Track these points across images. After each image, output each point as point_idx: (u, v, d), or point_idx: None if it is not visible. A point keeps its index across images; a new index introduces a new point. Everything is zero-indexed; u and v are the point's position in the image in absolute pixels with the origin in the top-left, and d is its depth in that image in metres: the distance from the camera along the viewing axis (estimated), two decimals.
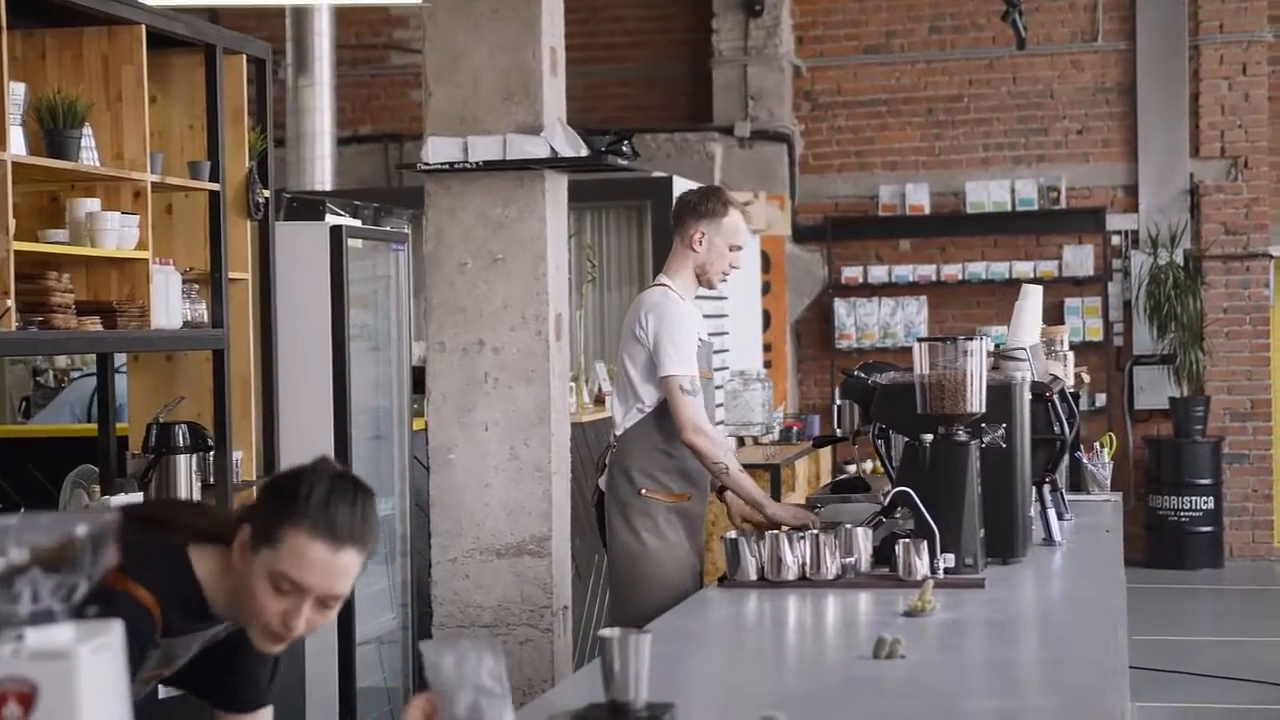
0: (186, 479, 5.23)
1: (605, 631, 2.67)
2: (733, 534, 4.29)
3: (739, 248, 5.20)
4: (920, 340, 4.36)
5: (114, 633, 1.73)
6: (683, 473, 5.11)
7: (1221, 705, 8.02)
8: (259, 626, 2.57)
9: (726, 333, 10.32)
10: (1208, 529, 12.02)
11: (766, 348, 12.11)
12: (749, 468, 8.84)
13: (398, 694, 6.64)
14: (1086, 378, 9.10)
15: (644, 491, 5.07)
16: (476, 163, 5.59)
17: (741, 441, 10.04)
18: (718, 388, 9.57)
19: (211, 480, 5.41)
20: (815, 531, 4.22)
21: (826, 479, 10.32)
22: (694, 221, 5.15)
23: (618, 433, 5.17)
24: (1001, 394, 4.45)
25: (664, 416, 5.06)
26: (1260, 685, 8.29)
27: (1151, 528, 12.13)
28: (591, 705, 2.71)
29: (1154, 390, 12.33)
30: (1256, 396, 12.35)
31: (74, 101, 4.66)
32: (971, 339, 4.33)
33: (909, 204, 12.63)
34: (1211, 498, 12.00)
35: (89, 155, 4.76)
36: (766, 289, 12.16)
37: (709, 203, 5.18)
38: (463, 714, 2.45)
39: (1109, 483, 6.32)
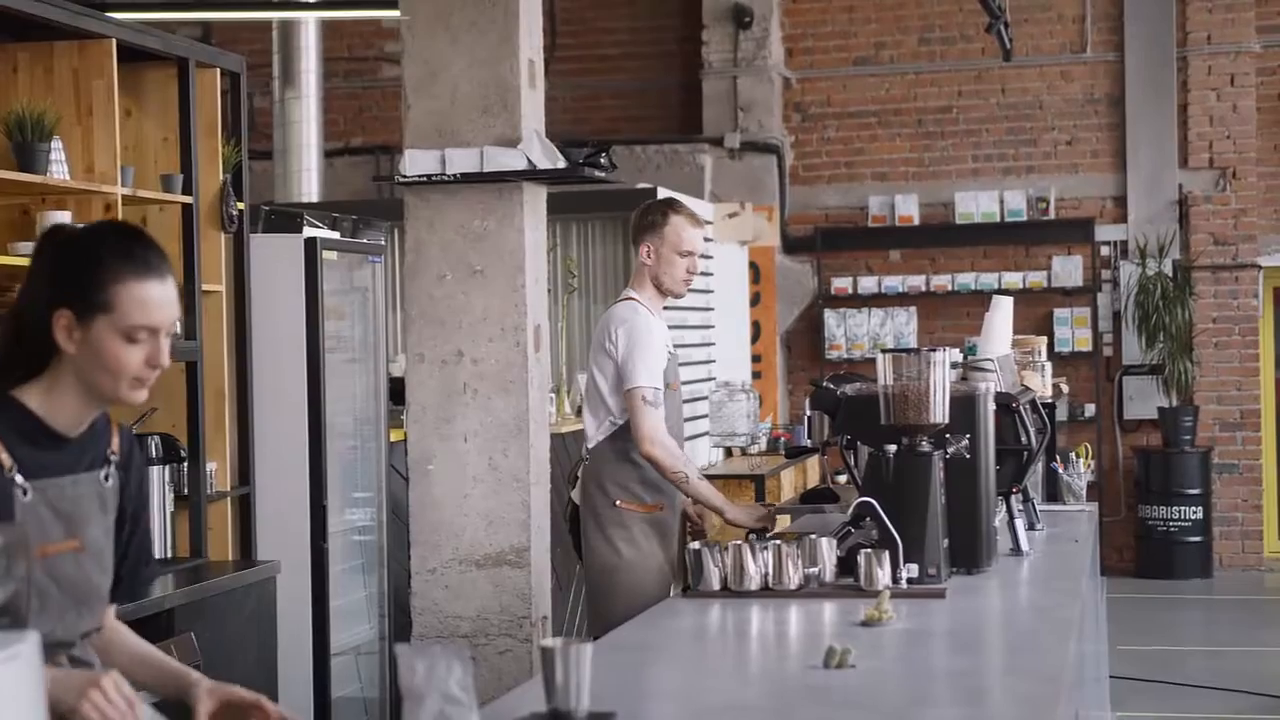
0: (159, 491, 5.24)
1: (546, 641, 2.70)
2: (696, 544, 4.30)
3: (689, 253, 5.27)
4: (884, 351, 4.37)
5: (27, 643, 1.75)
6: (654, 483, 5.17)
7: (1206, 715, 8.02)
8: (125, 384, 2.65)
9: (714, 343, 10.34)
10: (1197, 539, 12.02)
11: (756, 358, 12.14)
12: (734, 478, 8.92)
13: (374, 705, 6.65)
14: (1065, 388, 9.10)
15: (618, 503, 5.15)
16: (454, 175, 5.61)
17: (729, 452, 10.06)
18: (701, 399, 9.61)
19: (185, 492, 5.42)
20: (778, 542, 4.23)
21: None
22: (639, 236, 5.29)
23: (590, 445, 5.25)
24: (965, 405, 4.46)
25: None
26: (1246, 695, 8.29)
27: (1141, 538, 12.13)
28: (533, 714, 2.73)
29: (1143, 400, 12.33)
30: (1245, 406, 12.36)
31: (42, 115, 4.69)
32: (935, 350, 4.34)
33: (898, 215, 12.66)
34: (1201, 508, 12.01)
35: (59, 168, 4.78)
36: (756, 300, 12.19)
37: (649, 215, 5.30)
38: None
39: (1084, 493, 6.33)
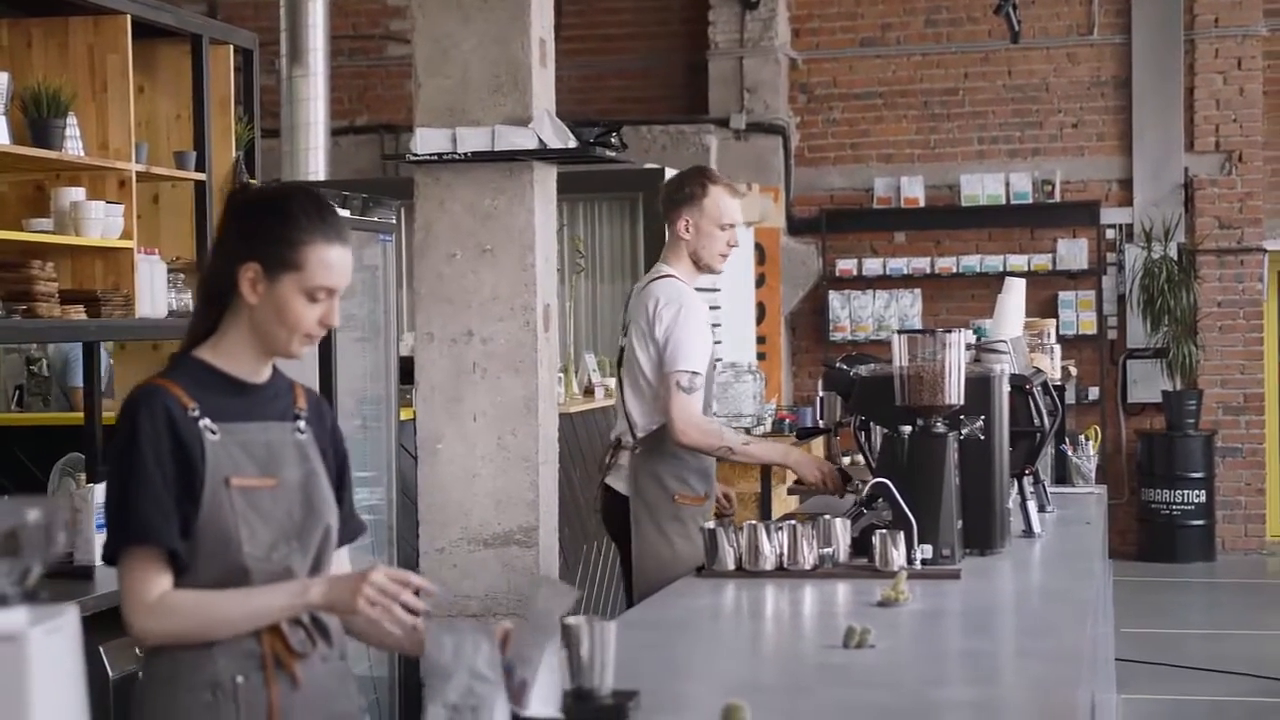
0: None
1: (571, 619, 2.70)
2: (710, 524, 4.30)
3: (730, 226, 5.06)
4: (899, 332, 4.36)
5: (68, 617, 1.75)
6: (704, 472, 5.03)
7: (1209, 697, 8.05)
8: (297, 340, 2.79)
9: (719, 324, 10.33)
10: (1200, 522, 12.04)
11: (761, 340, 12.13)
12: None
13: (383, 683, 6.66)
14: (1073, 370, 9.12)
15: (677, 498, 4.96)
16: (465, 154, 5.59)
17: None
18: None
19: None
20: (793, 522, 4.23)
21: None
22: (676, 209, 5.07)
23: (639, 434, 5.00)
24: (980, 386, 4.46)
25: None
26: (1249, 678, 8.32)
27: (1144, 521, 12.15)
28: None
29: (1147, 383, 12.34)
30: (1249, 390, 12.37)
31: (58, 91, 4.68)
32: (950, 332, 4.34)
33: (904, 197, 12.65)
34: (1204, 491, 12.02)
35: (73, 144, 4.78)
36: (761, 281, 12.18)
37: (687, 186, 5.08)
38: (457, 698, 2.48)
39: (1093, 475, 6.33)
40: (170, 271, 5.32)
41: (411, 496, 6.01)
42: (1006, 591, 4.19)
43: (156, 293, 5.15)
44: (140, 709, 2.81)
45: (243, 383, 2.82)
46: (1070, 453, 6.30)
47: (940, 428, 4.33)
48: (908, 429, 4.32)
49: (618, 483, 5.08)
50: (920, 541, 4.20)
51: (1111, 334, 12.47)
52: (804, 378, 12.89)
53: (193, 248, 5.47)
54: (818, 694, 2.94)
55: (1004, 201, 12.48)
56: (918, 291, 12.60)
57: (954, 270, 12.51)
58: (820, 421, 5.05)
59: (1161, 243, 12.11)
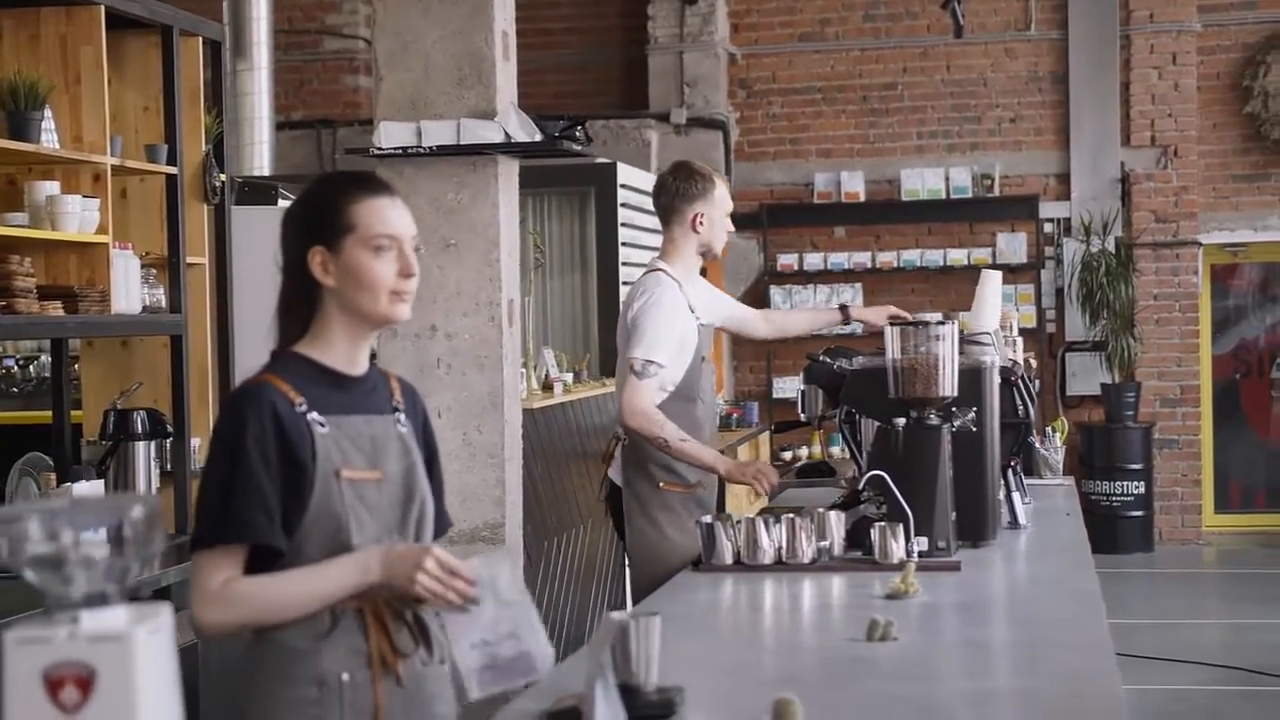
0: (145, 466, 5.15)
1: (616, 614, 2.66)
2: (708, 518, 4.28)
3: (729, 212, 5.22)
4: (892, 324, 4.36)
5: (164, 617, 1.71)
6: None
7: (1156, 686, 8.12)
8: (385, 298, 2.77)
9: None
10: (1138, 513, 12.16)
11: None
12: None
13: None
14: (1034, 362, 9.17)
15: (662, 485, 5.00)
16: (430, 147, 5.55)
17: None
18: None
19: (169, 467, 5.34)
20: (791, 515, 4.22)
21: None
22: (688, 206, 5.11)
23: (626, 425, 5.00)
24: (972, 377, 4.47)
25: (673, 406, 4.96)
26: (1193, 666, 8.42)
27: (1084, 512, 12.15)
28: None
29: (1086, 376, 12.45)
30: (1186, 383, 12.50)
31: (35, 83, 4.59)
32: (943, 323, 4.34)
33: (844, 191, 12.68)
34: (1142, 482, 12.14)
35: (49, 138, 4.68)
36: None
37: (696, 183, 5.12)
38: (488, 634, 2.46)
39: (1060, 467, 6.37)
40: (142, 267, 5.23)
41: None
42: (1009, 583, 4.20)
43: (131, 288, 5.06)
44: (246, 701, 2.79)
45: (342, 375, 2.82)
46: (1038, 444, 6.32)
47: (934, 419, 4.33)
48: (901, 421, 4.32)
49: (615, 474, 5.11)
50: (915, 534, 4.20)
51: (1050, 327, 12.56)
52: (745, 372, 12.90)
53: (162, 243, 5.37)
54: (855, 687, 2.93)
55: (944, 196, 12.54)
56: (859, 286, 12.64)
57: (894, 264, 12.56)
58: (803, 415, 5.03)
59: (1099, 236, 12.21)
